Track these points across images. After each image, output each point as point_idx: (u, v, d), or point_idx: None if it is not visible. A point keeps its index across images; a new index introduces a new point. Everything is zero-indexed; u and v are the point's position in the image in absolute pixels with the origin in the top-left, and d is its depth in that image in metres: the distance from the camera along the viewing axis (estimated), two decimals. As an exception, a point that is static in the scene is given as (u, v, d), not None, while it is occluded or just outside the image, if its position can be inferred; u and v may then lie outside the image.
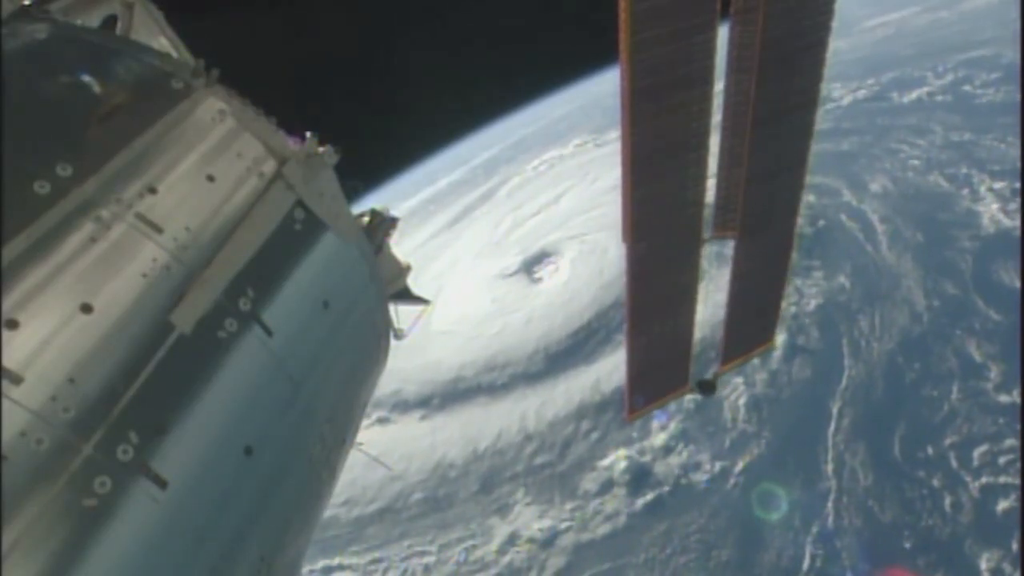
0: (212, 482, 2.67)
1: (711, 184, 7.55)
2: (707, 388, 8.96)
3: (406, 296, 5.16)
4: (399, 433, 39.55)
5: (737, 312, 8.69)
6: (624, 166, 6.84)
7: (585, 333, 41.77)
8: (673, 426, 34.11)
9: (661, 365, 8.56)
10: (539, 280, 50.07)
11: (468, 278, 54.53)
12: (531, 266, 51.74)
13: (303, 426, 3.23)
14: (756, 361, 34.10)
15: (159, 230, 2.79)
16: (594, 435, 35.77)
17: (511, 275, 51.59)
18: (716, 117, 7.21)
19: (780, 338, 34.00)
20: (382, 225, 4.76)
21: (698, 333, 8.76)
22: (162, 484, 2.45)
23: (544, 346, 42.29)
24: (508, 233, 59.34)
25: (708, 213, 7.74)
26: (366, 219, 4.69)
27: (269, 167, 3.37)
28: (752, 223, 7.90)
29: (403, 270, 5.04)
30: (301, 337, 3.24)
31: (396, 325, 4.67)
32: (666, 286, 7.96)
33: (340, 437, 3.67)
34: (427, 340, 44.76)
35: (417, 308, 5.38)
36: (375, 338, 4.15)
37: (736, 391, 34.54)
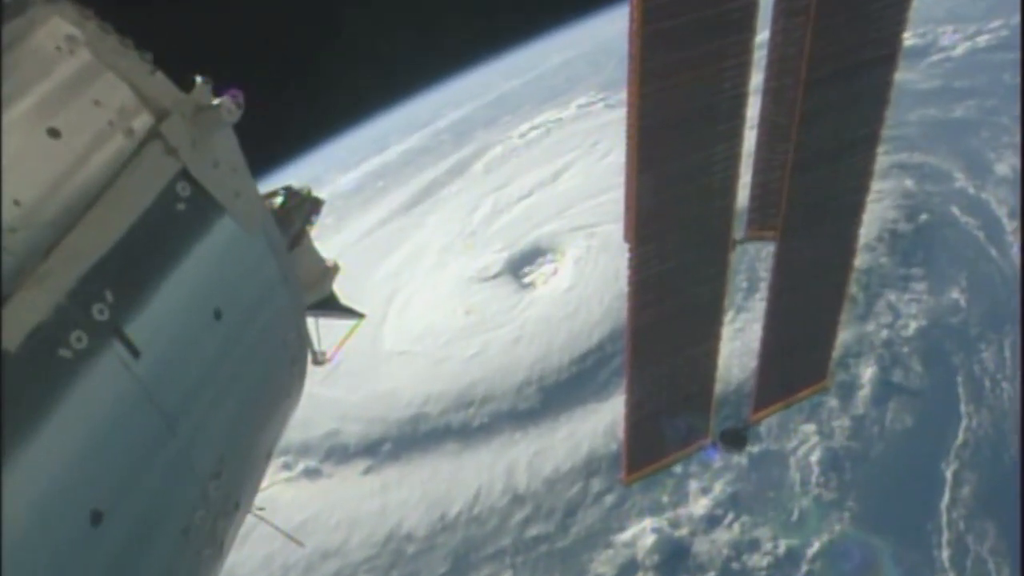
0: (44, 561, 2.63)
1: (746, 167, 7.68)
2: (734, 441, 9.15)
3: (331, 307, 5.36)
4: (335, 491, 39.58)
5: (777, 341, 8.82)
6: (630, 140, 6.93)
7: (595, 358, 41.98)
8: (719, 488, 34.11)
9: (672, 409, 8.70)
10: (531, 285, 50.71)
11: (433, 281, 55.13)
12: (520, 266, 52.43)
13: (179, 482, 3.26)
14: (834, 404, 35.07)
15: None
16: (609, 498, 35.70)
17: (493, 278, 52.16)
18: (756, 76, 7.31)
19: (868, 372, 34.27)
20: (300, 209, 4.96)
21: (730, 367, 9.03)
22: None
23: (539, 375, 42.46)
24: (488, 221, 60.11)
25: (741, 205, 7.86)
26: (278, 200, 4.90)
27: (141, 122, 3.38)
28: (800, 220, 8.04)
29: (328, 271, 5.24)
30: (180, 359, 3.30)
31: (316, 346, 4.86)
32: (681, 303, 8.11)
33: (232, 498, 3.72)
34: (376, 363, 45.37)
35: (346, 323, 5.63)
36: (286, 362, 4.28)
37: (806, 443, 34.63)
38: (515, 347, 44.79)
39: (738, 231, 7.99)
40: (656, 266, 7.70)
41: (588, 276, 48.25)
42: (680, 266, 7.88)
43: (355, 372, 44.11)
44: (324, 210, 5.13)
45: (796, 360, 9.14)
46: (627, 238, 7.44)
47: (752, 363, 9.22)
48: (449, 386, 43.58)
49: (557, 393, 41.29)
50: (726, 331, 8.70)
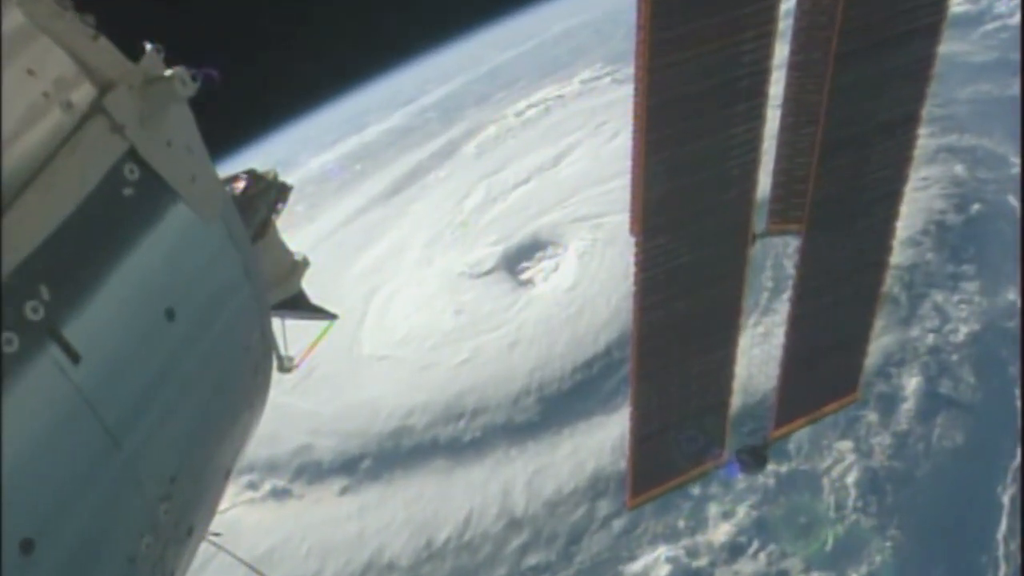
0: None
1: (768, 151, 7.72)
2: (753, 459, 9.21)
3: (300, 306, 5.43)
4: (306, 514, 39.53)
5: (801, 349, 8.83)
6: (637, 120, 6.96)
7: (601, 365, 42.13)
8: (742, 513, 34.18)
9: (683, 424, 8.67)
10: (529, 283, 50.88)
11: (418, 277, 55.24)
12: (516, 262, 52.59)
13: (123, 505, 3.22)
14: (873, 418, 35.18)
15: None
16: (618, 523, 35.70)
17: (486, 274, 52.33)
18: (781, 49, 7.31)
19: (913, 382, 34.34)
20: (266, 195, 4.98)
21: (754, 377, 9.17)
22: None
23: (538, 383, 42.56)
24: (480, 211, 60.27)
25: (762, 195, 7.86)
26: (241, 185, 4.91)
27: (82, 95, 3.31)
28: (829, 211, 8.05)
29: (297, 266, 5.29)
30: (126, 365, 3.26)
31: (283, 350, 4.86)
32: (695, 303, 8.10)
33: (184, 523, 3.70)
34: (353, 370, 45.46)
35: (317, 325, 5.75)
36: (248, 369, 4.27)
37: (842, 463, 34.64)
38: (511, 352, 44.90)
39: (759, 223, 7.97)
40: (666, 262, 7.65)
41: (593, 273, 48.42)
42: (693, 262, 7.84)
43: (329, 380, 44.21)
44: (293, 197, 5.11)
45: (823, 370, 9.11)
46: (633, 231, 7.43)
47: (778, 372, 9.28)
48: (436, 396, 43.57)
49: (558, 404, 41.37)
50: (748, 336, 8.72)
